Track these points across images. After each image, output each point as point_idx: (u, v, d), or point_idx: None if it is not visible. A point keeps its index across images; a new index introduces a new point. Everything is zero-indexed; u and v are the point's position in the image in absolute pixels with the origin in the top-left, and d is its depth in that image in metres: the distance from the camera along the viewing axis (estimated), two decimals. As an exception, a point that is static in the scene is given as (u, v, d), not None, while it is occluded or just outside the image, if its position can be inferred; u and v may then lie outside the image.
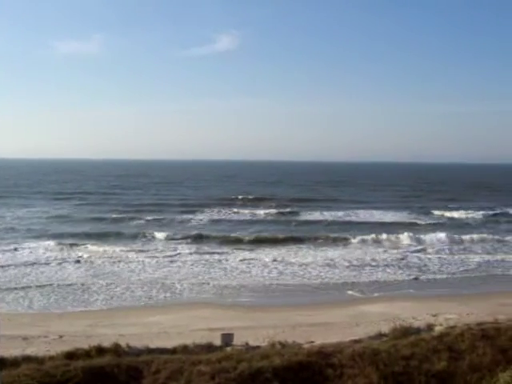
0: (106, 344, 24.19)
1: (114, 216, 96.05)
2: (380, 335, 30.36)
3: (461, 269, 56.93)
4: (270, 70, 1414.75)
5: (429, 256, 63.32)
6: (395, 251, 65.68)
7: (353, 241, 72.49)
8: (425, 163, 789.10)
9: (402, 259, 60.83)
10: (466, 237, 75.89)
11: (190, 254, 62.17)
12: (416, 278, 52.46)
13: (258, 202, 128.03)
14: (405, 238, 74.13)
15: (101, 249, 63.53)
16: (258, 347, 28.00)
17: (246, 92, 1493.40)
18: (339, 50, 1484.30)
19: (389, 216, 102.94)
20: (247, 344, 29.32)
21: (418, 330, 31.06)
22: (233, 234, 76.31)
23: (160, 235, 73.89)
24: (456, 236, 76.28)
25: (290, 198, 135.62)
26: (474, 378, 22.36)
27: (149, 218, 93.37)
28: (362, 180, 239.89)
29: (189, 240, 71.67)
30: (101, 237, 73.45)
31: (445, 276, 54.14)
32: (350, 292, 47.58)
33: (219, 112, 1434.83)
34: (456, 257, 62.90)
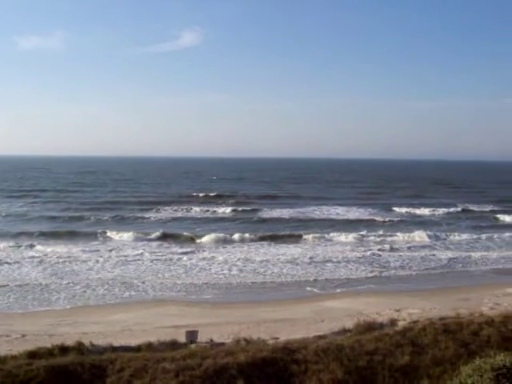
0: (69, 343, 23.89)
1: (71, 214, 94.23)
2: (344, 331, 30.52)
3: (423, 266, 57.58)
4: (233, 66, 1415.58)
5: (390, 253, 63.81)
6: (356, 248, 65.99)
7: (313, 238, 72.42)
8: (390, 160, 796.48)
9: (364, 256, 61.10)
10: (431, 234, 76.83)
11: (149, 252, 61.50)
12: (378, 275, 52.86)
13: (218, 199, 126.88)
14: (367, 235, 74.67)
15: (58, 248, 62.26)
16: (222, 344, 27.95)
17: (209, 88, 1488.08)
18: (304, 46, 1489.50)
19: (351, 213, 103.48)
20: (212, 341, 29.25)
21: (381, 325, 31.32)
22: (191, 232, 75.74)
23: (118, 234, 73.10)
24: (420, 233, 77.34)
25: (252, 195, 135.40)
26: (437, 371, 22.64)
27: (107, 216, 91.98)
28: (326, 176, 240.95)
29: (147, 238, 71.05)
30: (57, 235, 72.09)
31: (407, 272, 54.72)
32: (309, 288, 47.64)
33: (182, 108, 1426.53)
34: (416, 253, 63.61)
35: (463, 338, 25.94)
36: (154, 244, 67.56)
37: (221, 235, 71.74)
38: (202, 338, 29.91)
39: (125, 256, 58.92)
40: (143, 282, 48.61)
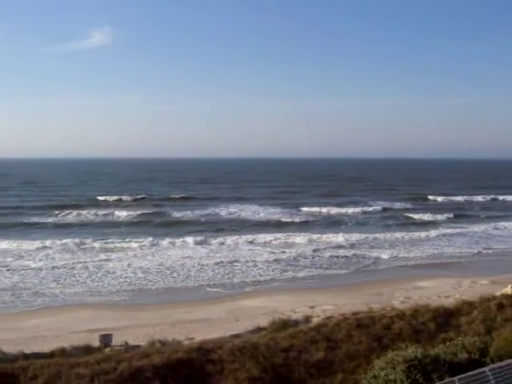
0: (-23, 351, 23.04)
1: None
2: (259, 329, 30.68)
3: (335, 264, 58.57)
4: (142, 67, 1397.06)
5: (301, 252, 64.48)
6: (265, 249, 65.78)
7: (222, 239, 71.43)
8: (307, 158, 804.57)
9: (273, 256, 60.99)
10: (341, 234, 78.22)
11: (40, 259, 58.55)
12: (290, 275, 53.23)
13: (123, 201, 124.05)
14: (276, 236, 74.64)
15: None
16: (137, 346, 27.62)
17: (117, 89, 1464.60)
18: (217, 48, 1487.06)
19: (264, 213, 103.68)
20: (126, 344, 28.85)
21: (296, 322, 31.65)
22: (94, 238, 71.94)
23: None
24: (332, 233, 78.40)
25: (162, 197, 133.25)
26: (351, 365, 23.05)
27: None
28: (240, 177, 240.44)
29: (44, 246, 66.46)
30: None
31: (319, 271, 55.49)
32: (216, 289, 47.53)
33: (90, 108, 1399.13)
34: (328, 253, 64.62)
35: (376, 332, 26.52)
36: (51, 251, 63.50)
37: (126, 239, 70.07)
38: (117, 341, 29.43)
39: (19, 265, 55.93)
40: (49, 288, 47.27)
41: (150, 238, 70.95)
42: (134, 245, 67.11)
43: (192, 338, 29.69)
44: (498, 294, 35.71)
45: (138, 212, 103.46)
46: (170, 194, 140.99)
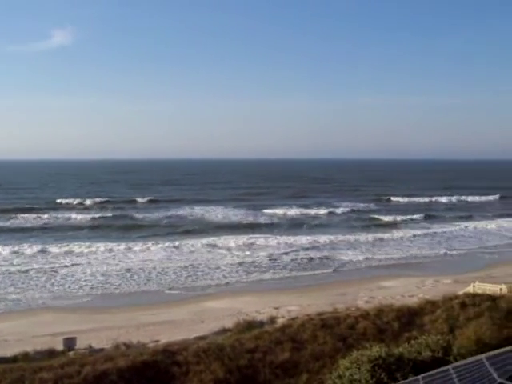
0: None
1: None
2: (224, 330, 30.68)
3: (299, 266, 58.71)
4: (102, 68, 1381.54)
5: (266, 254, 64.53)
6: (230, 251, 65.63)
7: (184, 242, 70.65)
8: (271, 159, 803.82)
9: (238, 259, 60.79)
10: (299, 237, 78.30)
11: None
12: (254, 277, 53.25)
13: (80, 205, 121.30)
14: (241, 238, 74.64)
15: None
16: (102, 349, 27.42)
17: (77, 90, 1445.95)
18: (177, 50, 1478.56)
19: (229, 215, 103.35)
20: (91, 347, 28.63)
21: (261, 323, 31.70)
22: (56, 240, 71.99)
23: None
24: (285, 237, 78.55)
25: (125, 200, 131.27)
26: (316, 366, 23.15)
27: None
28: (205, 178, 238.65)
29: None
30: None
31: (284, 272, 55.61)
32: (177, 292, 47.20)
33: (52, 109, 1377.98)
34: (292, 255, 64.80)
35: (341, 332, 26.69)
36: (7, 256, 62.01)
37: (86, 243, 68.82)
38: (81, 344, 29.18)
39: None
40: (8, 293, 46.44)
41: (111, 242, 70.38)
42: (94, 248, 66.29)
43: (157, 341, 29.56)
44: (460, 292, 36.20)
45: (99, 215, 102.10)
46: (132, 196, 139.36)
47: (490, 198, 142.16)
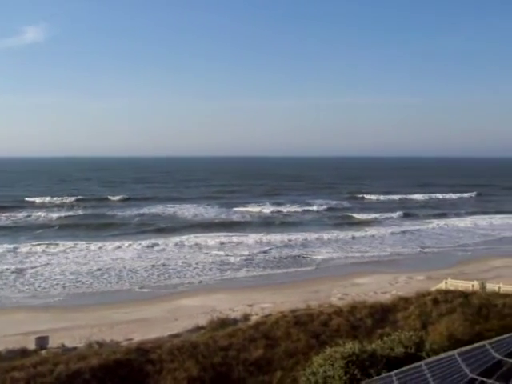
0: None
1: None
2: (198, 328, 30.63)
3: (271, 263, 58.85)
4: (75, 66, 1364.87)
5: (240, 252, 64.56)
6: (203, 249, 65.51)
7: (157, 240, 70.16)
8: (248, 157, 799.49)
9: (212, 258, 60.62)
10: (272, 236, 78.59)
11: None
12: (230, 276, 53.19)
13: (51, 203, 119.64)
14: (214, 235, 74.64)
15: None
16: (74, 348, 27.23)
17: (48, 87, 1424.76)
18: (148, 48, 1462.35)
19: (202, 213, 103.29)
20: (63, 346, 28.42)
21: (235, 321, 31.71)
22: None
23: None
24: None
25: (97, 198, 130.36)
26: (290, 363, 23.18)
27: None
28: (177, 176, 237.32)
29: None
30: None
31: (257, 270, 55.63)
32: (148, 290, 47.04)
33: (21, 107, 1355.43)
34: (265, 253, 64.89)
35: (314, 329, 26.77)
36: None
37: (57, 241, 67.91)
38: (53, 343, 28.95)
39: None
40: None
41: (82, 240, 69.86)
42: (65, 247, 65.77)
43: (130, 339, 29.43)
44: (433, 289, 36.53)
45: (71, 213, 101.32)
46: (104, 194, 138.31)
47: (466, 195, 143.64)
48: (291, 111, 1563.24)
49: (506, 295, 33.04)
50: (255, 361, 22.65)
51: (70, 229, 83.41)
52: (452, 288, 36.04)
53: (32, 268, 54.72)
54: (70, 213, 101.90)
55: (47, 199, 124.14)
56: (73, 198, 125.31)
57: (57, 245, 66.91)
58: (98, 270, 54.16)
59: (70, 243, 67.75)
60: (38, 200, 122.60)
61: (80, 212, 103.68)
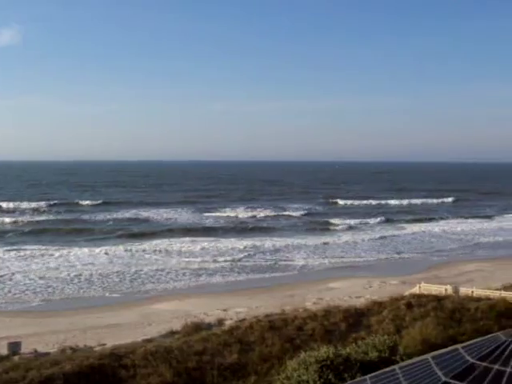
0: None
1: None
2: (172, 333, 30.51)
3: (244, 266, 58.82)
4: (50, 67, 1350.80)
5: (214, 258, 64.51)
6: (176, 255, 64.93)
7: (129, 246, 69.03)
8: (224, 161, 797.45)
9: (185, 263, 59.91)
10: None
11: None
12: (204, 281, 53.11)
13: (22, 208, 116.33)
14: (188, 240, 74.23)
15: None
16: (47, 354, 26.99)
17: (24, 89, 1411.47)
18: (115, 52, 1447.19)
19: (175, 218, 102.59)
20: (36, 351, 28.12)
21: (209, 325, 31.68)
22: None
23: None
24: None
25: (69, 202, 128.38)
26: (264, 367, 23.19)
27: None
28: (151, 180, 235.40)
29: None
30: None
31: (231, 276, 55.58)
32: (119, 295, 46.78)
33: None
34: (239, 258, 64.90)
35: (288, 334, 26.82)
36: None
37: (26, 247, 67.32)
38: (26, 348, 28.63)
39: None
40: None
41: (54, 246, 69.00)
42: (35, 252, 64.55)
43: (104, 344, 29.20)
44: (407, 293, 36.78)
45: (42, 218, 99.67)
46: (77, 198, 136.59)
47: (443, 200, 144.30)
48: (270, 114, 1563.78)
49: (478, 299, 33.38)
50: (229, 365, 22.63)
51: (40, 234, 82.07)
52: (425, 292, 36.30)
53: (2, 274, 53.90)
54: (41, 217, 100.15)
55: (18, 204, 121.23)
56: (44, 203, 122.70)
57: (26, 250, 65.78)
58: (69, 275, 53.46)
59: (41, 248, 66.74)
60: (5, 205, 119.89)
61: (51, 217, 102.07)
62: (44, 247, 67.85)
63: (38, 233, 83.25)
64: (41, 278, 52.32)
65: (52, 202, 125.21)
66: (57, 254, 64.13)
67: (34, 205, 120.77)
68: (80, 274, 53.66)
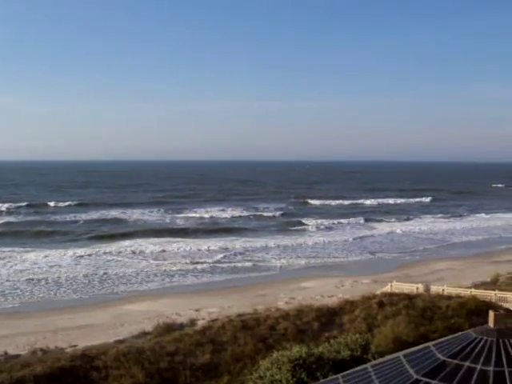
0: None
1: None
2: (144, 333, 30.35)
3: (211, 268, 58.64)
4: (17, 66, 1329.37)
5: (186, 259, 64.37)
6: (147, 256, 64.31)
7: (99, 248, 68.17)
8: (196, 161, 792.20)
9: (152, 264, 59.56)
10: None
11: None
12: (176, 282, 52.86)
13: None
14: (157, 242, 73.35)
15: None
16: (18, 356, 26.68)
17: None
18: (73, 52, 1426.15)
19: (146, 219, 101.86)
20: (6, 353, 27.77)
21: (181, 326, 31.57)
22: None
23: None
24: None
25: (38, 203, 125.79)
26: (237, 367, 23.16)
27: None
28: (125, 180, 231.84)
29: None
30: None
31: (204, 276, 55.43)
32: (88, 296, 46.35)
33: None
34: (205, 259, 64.81)
35: (261, 333, 26.82)
36: None
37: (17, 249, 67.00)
38: (-5, 351, 28.32)
39: None
40: None
41: (22, 248, 67.93)
42: (3, 255, 63.42)
43: (75, 345, 28.94)
44: (378, 292, 36.97)
45: (11, 219, 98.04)
46: (46, 199, 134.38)
47: (417, 200, 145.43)
48: (242, 113, 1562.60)
49: (449, 297, 33.70)
50: (202, 366, 22.59)
51: (7, 236, 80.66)
52: (397, 291, 36.53)
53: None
54: (10, 219, 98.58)
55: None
56: (13, 204, 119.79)
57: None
58: (37, 277, 52.75)
59: (7, 250, 65.76)
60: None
61: (20, 218, 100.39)
62: (10, 249, 66.84)
63: (5, 235, 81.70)
64: (7, 280, 51.59)
65: (20, 204, 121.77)
66: (24, 256, 63.05)
67: (1, 206, 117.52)
68: (47, 277, 52.87)
